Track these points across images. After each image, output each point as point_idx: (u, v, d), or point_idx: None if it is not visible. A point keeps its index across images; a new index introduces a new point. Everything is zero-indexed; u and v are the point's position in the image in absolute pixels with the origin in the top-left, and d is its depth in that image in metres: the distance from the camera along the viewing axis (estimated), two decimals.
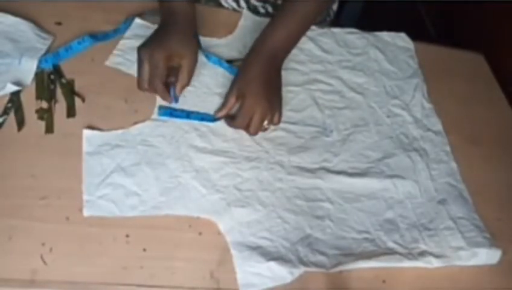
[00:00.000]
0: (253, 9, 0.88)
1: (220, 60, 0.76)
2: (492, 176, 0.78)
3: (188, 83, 0.70)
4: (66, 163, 0.60)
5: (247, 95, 0.68)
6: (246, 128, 0.69)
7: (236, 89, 0.69)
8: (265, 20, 0.84)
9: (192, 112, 0.69)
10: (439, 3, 1.35)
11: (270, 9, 0.89)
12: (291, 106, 0.75)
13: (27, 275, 0.51)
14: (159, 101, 0.69)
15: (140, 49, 0.68)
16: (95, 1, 0.77)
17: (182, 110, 0.69)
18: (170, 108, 0.69)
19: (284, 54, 0.73)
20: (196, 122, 0.68)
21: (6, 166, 0.58)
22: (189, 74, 0.69)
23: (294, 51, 0.76)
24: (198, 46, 0.72)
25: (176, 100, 0.69)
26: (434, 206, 0.70)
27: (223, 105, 0.70)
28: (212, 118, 0.70)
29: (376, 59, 0.87)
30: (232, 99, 0.69)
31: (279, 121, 0.71)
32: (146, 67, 0.66)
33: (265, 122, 0.69)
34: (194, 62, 0.70)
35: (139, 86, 0.67)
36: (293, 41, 0.74)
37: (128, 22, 0.76)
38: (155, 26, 0.77)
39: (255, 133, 0.69)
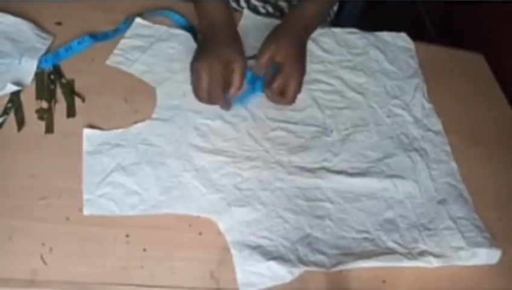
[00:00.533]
0: (254, 9, 0.88)
1: None
2: (492, 176, 0.78)
3: (241, 86, 0.69)
4: (66, 163, 0.60)
5: (286, 59, 0.69)
6: (280, 96, 0.71)
7: (273, 51, 0.69)
8: (266, 20, 0.85)
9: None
10: (439, 3, 1.35)
11: (270, 9, 0.89)
12: (291, 106, 0.75)
13: (27, 275, 0.51)
14: (160, 100, 0.69)
15: (196, 63, 0.68)
16: (95, 1, 0.77)
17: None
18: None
19: (312, 28, 0.77)
20: (200, 120, 0.69)
21: (6, 166, 0.58)
22: (242, 77, 0.69)
23: None
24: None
25: (230, 104, 0.70)
26: (434, 206, 0.70)
27: (257, 63, 0.71)
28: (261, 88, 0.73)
29: (376, 59, 0.87)
30: (265, 58, 0.70)
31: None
32: (205, 80, 0.67)
33: None
34: (245, 64, 0.69)
35: (199, 98, 0.69)
36: (320, 16, 0.78)
37: (128, 22, 0.76)
38: (155, 26, 0.77)
39: (291, 102, 0.71)
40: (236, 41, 0.71)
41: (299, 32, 0.73)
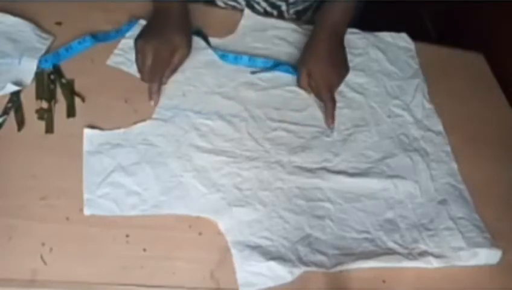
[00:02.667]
0: (250, 6, 0.88)
1: (237, 57, 0.77)
2: (492, 176, 0.78)
3: (175, 70, 0.73)
4: (66, 163, 0.60)
5: (313, 70, 0.76)
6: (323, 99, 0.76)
7: (304, 67, 0.76)
8: (266, 20, 0.85)
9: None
10: (439, 3, 1.35)
11: (268, 8, 0.89)
12: (292, 106, 0.75)
13: (27, 275, 0.51)
14: (160, 100, 0.69)
15: (143, 43, 0.69)
16: (95, 1, 0.77)
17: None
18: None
19: (344, 27, 0.80)
20: (200, 120, 0.69)
21: (6, 166, 0.58)
22: (181, 63, 0.73)
23: (296, 52, 0.77)
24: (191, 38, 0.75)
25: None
26: (434, 207, 0.70)
27: (299, 85, 0.77)
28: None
29: (377, 59, 0.87)
30: (304, 78, 0.77)
31: None
32: (150, 60, 0.69)
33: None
34: (188, 53, 0.74)
35: (142, 76, 0.70)
36: (349, 14, 0.79)
37: (131, 24, 0.76)
38: None
39: (329, 96, 0.75)
40: (186, 30, 0.74)
41: (326, 36, 0.77)
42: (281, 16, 0.90)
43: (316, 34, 0.78)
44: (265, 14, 0.89)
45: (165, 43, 0.70)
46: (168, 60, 0.71)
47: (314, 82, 0.76)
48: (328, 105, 0.75)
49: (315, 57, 0.76)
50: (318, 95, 0.77)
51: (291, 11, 0.90)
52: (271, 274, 0.57)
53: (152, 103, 0.68)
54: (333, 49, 0.77)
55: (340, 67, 0.78)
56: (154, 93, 0.68)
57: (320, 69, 0.76)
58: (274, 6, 0.89)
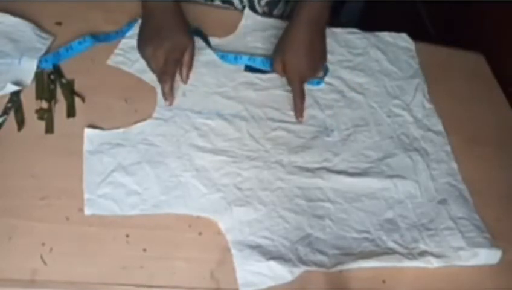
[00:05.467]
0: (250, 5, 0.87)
1: (237, 57, 0.77)
2: (492, 176, 0.78)
3: (191, 66, 0.73)
4: (66, 163, 0.60)
5: (287, 60, 0.74)
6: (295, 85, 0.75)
7: (278, 56, 0.75)
8: (266, 20, 0.85)
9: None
10: (439, 3, 1.35)
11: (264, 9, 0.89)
12: (292, 106, 0.75)
13: (27, 275, 0.51)
14: (160, 100, 0.69)
15: (152, 50, 0.70)
16: (95, 1, 0.77)
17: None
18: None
19: (324, 17, 0.77)
20: (200, 120, 0.69)
21: (6, 166, 0.58)
22: (192, 58, 0.74)
23: None
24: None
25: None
26: (434, 206, 0.70)
27: (274, 71, 0.77)
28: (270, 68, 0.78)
29: (377, 59, 0.87)
30: (278, 65, 0.75)
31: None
32: (161, 63, 0.69)
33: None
34: (194, 46, 0.74)
35: (162, 80, 0.69)
36: (329, 4, 0.77)
37: (131, 24, 0.76)
38: None
39: (300, 90, 0.75)
40: (187, 28, 0.74)
41: (304, 26, 0.75)
42: (252, 7, 0.88)
43: (293, 23, 0.76)
44: (240, 4, 0.88)
45: (174, 46, 0.70)
46: (180, 60, 0.71)
47: (287, 72, 0.75)
48: (297, 99, 0.74)
49: (290, 48, 0.74)
50: (289, 86, 0.76)
51: (263, 2, 0.88)
52: (271, 274, 0.57)
53: (167, 103, 0.69)
54: (311, 41, 0.75)
55: (316, 59, 0.77)
56: (168, 94, 0.69)
57: (295, 61, 0.74)
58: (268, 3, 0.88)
